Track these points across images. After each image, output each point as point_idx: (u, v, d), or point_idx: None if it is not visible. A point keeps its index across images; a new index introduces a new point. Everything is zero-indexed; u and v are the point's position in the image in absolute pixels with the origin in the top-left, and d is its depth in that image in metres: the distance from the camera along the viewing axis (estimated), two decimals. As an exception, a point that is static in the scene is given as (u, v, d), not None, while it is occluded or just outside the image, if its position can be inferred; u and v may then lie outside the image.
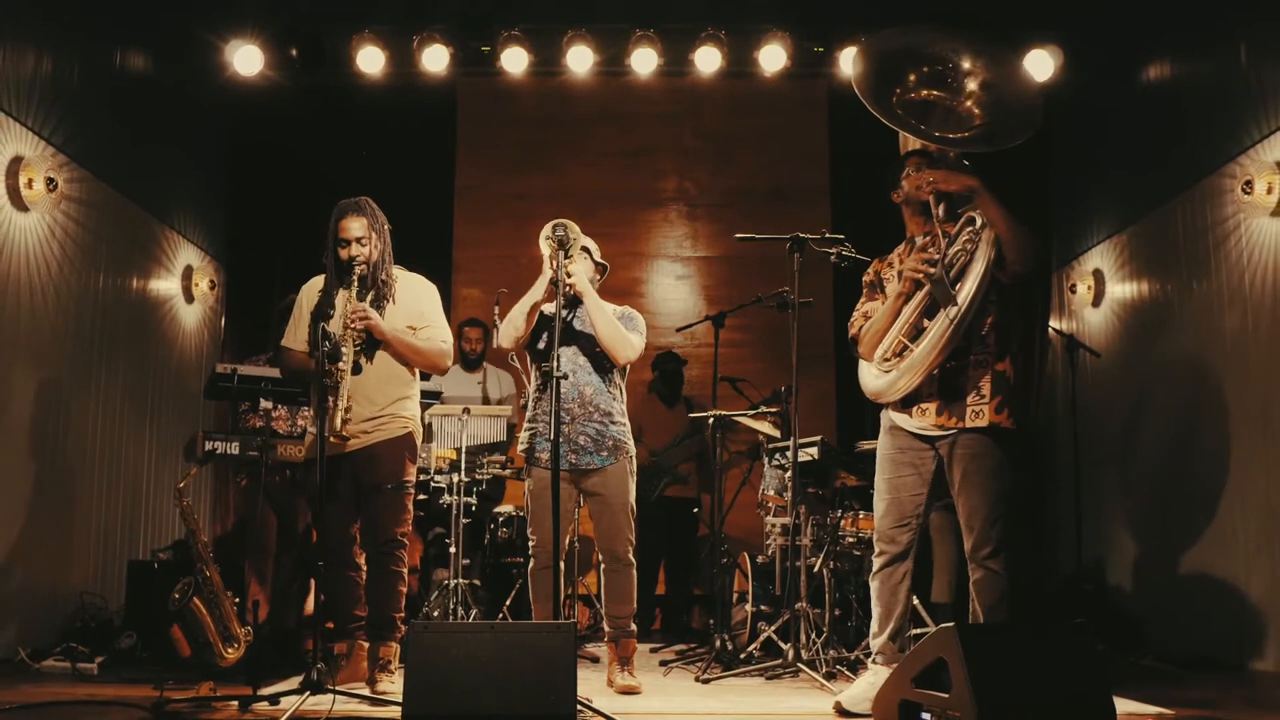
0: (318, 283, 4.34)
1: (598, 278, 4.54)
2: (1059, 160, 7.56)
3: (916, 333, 3.75)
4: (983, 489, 3.67)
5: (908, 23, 4.01)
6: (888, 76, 3.89)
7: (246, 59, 6.84)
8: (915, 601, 4.88)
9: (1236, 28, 5.52)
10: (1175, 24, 6.10)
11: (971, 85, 3.91)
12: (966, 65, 3.90)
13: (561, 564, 4.07)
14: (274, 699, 3.59)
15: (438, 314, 4.40)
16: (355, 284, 4.14)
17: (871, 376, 3.89)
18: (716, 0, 7.10)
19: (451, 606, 5.30)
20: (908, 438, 3.82)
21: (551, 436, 3.84)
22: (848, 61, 7.07)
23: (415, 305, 4.33)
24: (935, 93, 3.93)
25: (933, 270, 3.66)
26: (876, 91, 3.81)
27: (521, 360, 4.73)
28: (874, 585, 3.87)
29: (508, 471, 5.94)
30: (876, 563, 3.86)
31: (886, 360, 3.81)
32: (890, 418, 3.89)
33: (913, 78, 3.91)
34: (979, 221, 3.70)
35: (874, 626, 3.86)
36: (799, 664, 4.48)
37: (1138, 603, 6.27)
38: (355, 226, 4.21)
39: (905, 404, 3.81)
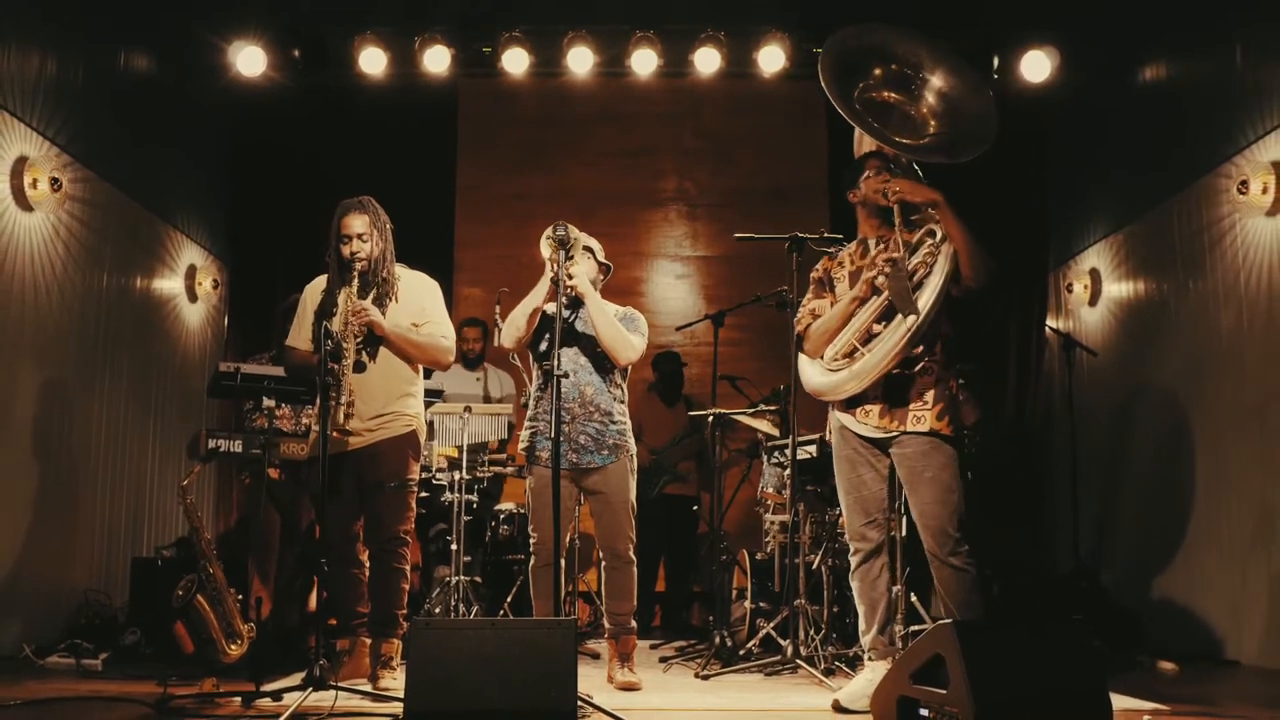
0: (321, 282, 4.36)
1: (601, 278, 4.55)
2: (1056, 160, 7.59)
3: (869, 337, 3.78)
4: (931, 485, 3.70)
5: (879, 21, 4.06)
6: (853, 70, 3.94)
7: (249, 60, 6.87)
8: (914, 599, 4.92)
9: (1233, 29, 5.55)
10: (1172, 25, 6.13)
11: (929, 94, 3.98)
12: (927, 74, 3.97)
13: (562, 561, 4.09)
14: (277, 695, 3.60)
15: (439, 310, 4.42)
16: (356, 281, 4.17)
17: (816, 373, 3.93)
18: (716, 1, 7.14)
19: (453, 603, 5.33)
20: (857, 439, 3.87)
21: (552, 435, 3.86)
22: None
23: (417, 302, 4.35)
24: (895, 95, 4.00)
25: (896, 277, 3.68)
26: (840, 84, 3.86)
27: (523, 360, 4.75)
28: (854, 585, 3.91)
29: (508, 469, 5.97)
30: (853, 561, 3.90)
31: (836, 361, 3.84)
32: (838, 418, 3.93)
33: (878, 72, 3.97)
34: (939, 234, 3.73)
35: (861, 624, 3.89)
36: (798, 660, 4.52)
37: (1134, 600, 6.29)
38: (357, 224, 4.23)
39: (849, 404, 3.86)
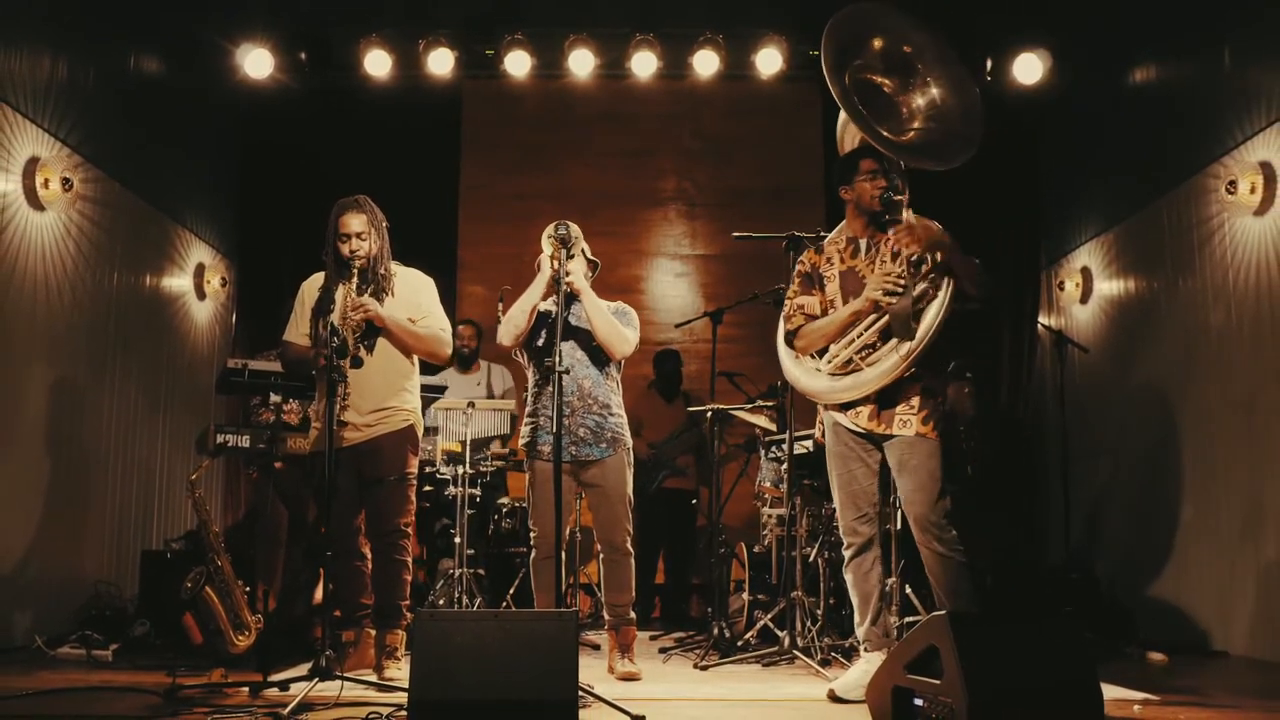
0: (318, 279, 4.42)
1: (590, 274, 4.60)
2: (1048, 160, 7.66)
3: (868, 350, 3.83)
4: (914, 474, 3.78)
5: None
6: (854, 41, 3.85)
7: (256, 62, 6.96)
8: (908, 590, 4.99)
9: (1222, 31, 5.61)
10: (1162, 27, 6.20)
11: (923, 85, 3.90)
12: (925, 66, 3.89)
13: (563, 554, 4.16)
14: (284, 685, 3.66)
15: (435, 305, 4.48)
16: (355, 278, 4.22)
17: (806, 375, 3.97)
18: (715, 4, 7.21)
19: (456, 595, 5.40)
20: (850, 434, 3.93)
21: (553, 430, 3.92)
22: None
23: (414, 297, 4.41)
24: (888, 81, 3.92)
25: (898, 303, 3.72)
26: (838, 54, 3.77)
27: (522, 357, 4.82)
28: (848, 577, 3.97)
29: (509, 464, 6.03)
30: (846, 555, 3.96)
31: (833, 372, 3.88)
32: (831, 416, 3.99)
33: (878, 44, 3.88)
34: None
35: (856, 616, 3.96)
36: (794, 651, 4.60)
37: (1125, 592, 6.36)
38: (355, 223, 4.29)
39: (841, 406, 3.92)
